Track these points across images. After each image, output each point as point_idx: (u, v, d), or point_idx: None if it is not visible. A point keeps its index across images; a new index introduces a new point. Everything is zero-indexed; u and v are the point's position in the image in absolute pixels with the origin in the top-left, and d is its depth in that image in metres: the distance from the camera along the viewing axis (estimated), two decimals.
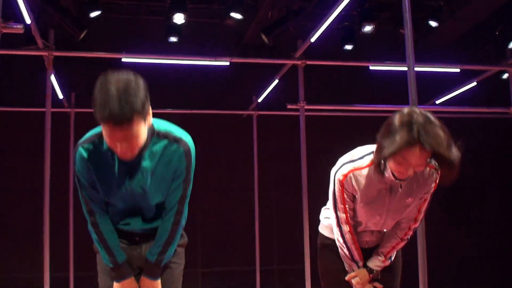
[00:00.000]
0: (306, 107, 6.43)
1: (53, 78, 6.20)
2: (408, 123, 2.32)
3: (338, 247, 2.83)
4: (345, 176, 2.66)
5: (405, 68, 3.66)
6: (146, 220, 2.61)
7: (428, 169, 2.59)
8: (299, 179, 6.27)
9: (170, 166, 2.47)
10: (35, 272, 7.74)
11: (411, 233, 2.86)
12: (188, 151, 2.50)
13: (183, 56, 7.29)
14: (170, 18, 7.56)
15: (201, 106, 8.34)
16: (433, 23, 8.04)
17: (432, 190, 2.68)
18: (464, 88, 7.86)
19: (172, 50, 7.98)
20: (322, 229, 3.05)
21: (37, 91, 6.93)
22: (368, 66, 7.37)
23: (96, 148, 2.41)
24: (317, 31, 5.76)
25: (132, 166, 2.42)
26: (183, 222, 2.62)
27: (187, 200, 2.59)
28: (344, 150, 2.97)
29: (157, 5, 8.60)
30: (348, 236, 2.77)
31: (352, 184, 2.66)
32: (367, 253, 2.89)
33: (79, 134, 7.73)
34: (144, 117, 2.24)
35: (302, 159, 6.22)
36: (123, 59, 6.78)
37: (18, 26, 3.93)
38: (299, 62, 6.35)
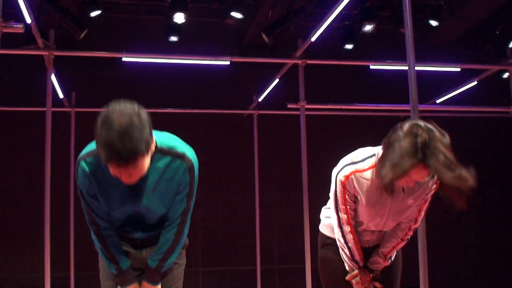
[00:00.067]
0: (306, 106, 6.43)
1: (53, 77, 6.19)
2: (413, 144, 2.26)
3: (339, 247, 2.83)
4: (347, 177, 2.65)
5: (406, 68, 3.65)
6: (147, 228, 2.62)
7: None
8: (299, 179, 6.26)
9: (173, 182, 2.46)
10: (35, 272, 7.76)
11: (411, 233, 2.86)
12: (191, 167, 2.48)
13: (183, 55, 7.27)
14: (170, 17, 7.56)
15: (202, 106, 8.35)
16: (433, 23, 8.04)
17: (433, 191, 2.68)
18: (465, 88, 7.86)
19: (172, 50, 7.98)
20: (323, 228, 3.05)
21: (37, 90, 6.93)
22: (369, 66, 7.35)
23: (98, 163, 2.37)
24: (317, 30, 5.75)
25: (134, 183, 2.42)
26: (186, 231, 2.62)
27: (191, 211, 2.60)
28: (345, 149, 2.97)
29: (157, 5, 8.60)
30: (349, 237, 2.77)
31: (354, 186, 2.66)
32: (368, 252, 2.89)
33: (80, 134, 7.76)
34: (148, 152, 2.22)
35: (302, 159, 6.21)
36: (124, 59, 6.77)
37: (19, 26, 3.93)
38: (299, 62, 6.34)
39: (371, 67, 7.49)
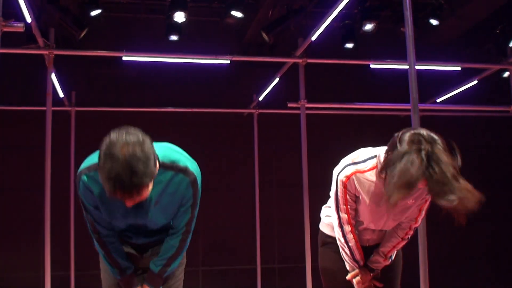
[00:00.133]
0: (306, 105, 6.43)
1: (53, 76, 6.20)
2: (419, 163, 2.21)
3: (339, 246, 2.83)
4: (348, 177, 2.65)
5: (406, 67, 3.65)
6: (149, 234, 2.62)
7: None
8: (300, 177, 6.27)
9: (176, 195, 2.46)
10: (36, 271, 7.75)
11: (411, 232, 2.86)
12: (194, 180, 2.47)
13: (183, 54, 7.28)
14: (170, 16, 7.55)
15: (202, 105, 8.34)
16: (434, 22, 8.03)
17: None
18: (465, 87, 7.86)
19: (172, 49, 7.97)
20: (323, 227, 3.05)
21: (37, 89, 6.94)
22: (369, 65, 7.36)
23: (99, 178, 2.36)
24: (318, 29, 5.75)
25: None
26: (190, 238, 2.64)
27: (195, 220, 2.61)
28: (345, 148, 2.97)
29: (157, 4, 8.59)
30: (349, 236, 2.77)
31: (355, 186, 2.66)
32: (368, 251, 2.89)
33: (80, 133, 7.74)
34: (152, 179, 2.18)
35: (302, 158, 6.21)
36: (124, 58, 6.78)
37: (19, 25, 3.93)
38: (300, 61, 6.34)
39: (372, 66, 7.50)
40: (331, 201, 2.83)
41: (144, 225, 2.54)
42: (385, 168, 2.38)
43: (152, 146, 2.18)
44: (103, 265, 2.70)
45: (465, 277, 9.07)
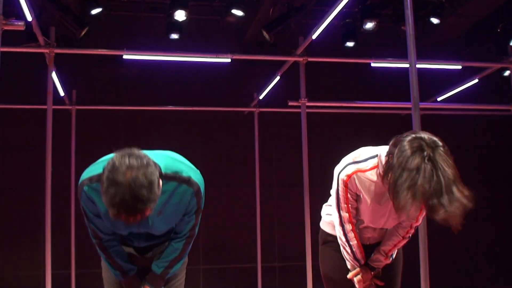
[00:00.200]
0: (307, 104, 6.43)
1: (54, 75, 6.20)
2: (428, 176, 2.21)
3: (340, 245, 2.83)
4: (349, 176, 2.65)
5: (407, 65, 3.65)
6: (150, 239, 2.62)
7: None
8: (300, 176, 6.27)
9: (180, 206, 2.45)
10: (37, 270, 7.76)
11: (412, 231, 2.85)
12: (197, 190, 2.46)
13: (184, 53, 7.27)
14: (171, 15, 7.56)
15: (202, 103, 8.34)
16: (434, 20, 8.03)
17: None
18: (466, 85, 7.85)
19: (173, 47, 7.97)
20: (324, 226, 3.05)
21: (38, 88, 6.93)
22: (370, 63, 7.36)
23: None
24: (318, 28, 5.75)
25: None
26: (192, 241, 2.65)
27: (198, 225, 2.61)
28: (346, 147, 2.97)
29: (158, 2, 8.60)
30: (350, 235, 2.77)
31: (356, 185, 2.65)
32: (369, 249, 2.89)
33: (81, 131, 7.72)
34: (156, 201, 2.16)
35: (303, 156, 6.21)
36: (124, 56, 6.78)
37: (19, 23, 3.93)
38: (300, 59, 6.34)
39: (372, 64, 7.50)
40: (332, 200, 2.83)
41: (146, 232, 2.55)
42: (387, 172, 2.37)
43: (156, 168, 2.14)
44: (105, 264, 2.71)
45: (465, 276, 9.07)
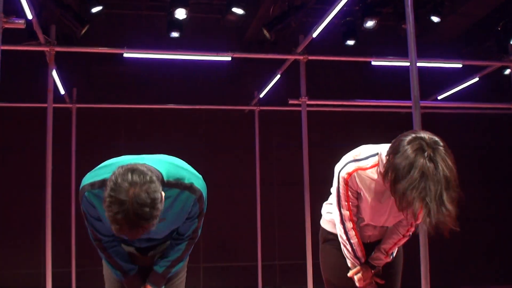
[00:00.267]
0: (307, 102, 6.42)
1: (54, 73, 6.20)
2: (430, 177, 2.22)
3: (341, 243, 2.84)
4: (350, 174, 2.65)
5: (407, 64, 3.64)
6: (151, 240, 2.62)
7: None
8: (300, 174, 6.27)
9: (183, 212, 2.45)
10: (37, 268, 7.77)
11: (413, 229, 2.86)
12: (200, 197, 2.46)
13: (184, 51, 7.27)
14: (171, 13, 7.55)
15: (203, 102, 8.34)
16: (435, 19, 8.03)
17: None
18: (466, 84, 7.85)
19: (173, 46, 7.97)
20: (324, 224, 3.05)
21: (38, 86, 6.93)
22: (370, 62, 7.36)
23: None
24: (319, 26, 5.75)
25: None
26: (194, 243, 2.66)
27: (201, 227, 2.62)
28: (346, 145, 2.97)
29: (158, 0, 8.60)
30: (351, 233, 2.78)
31: (357, 183, 2.66)
32: (370, 247, 2.89)
33: (81, 130, 7.70)
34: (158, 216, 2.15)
35: (303, 154, 6.21)
36: (125, 55, 6.78)
37: (20, 21, 3.92)
38: (301, 57, 6.34)
39: (373, 63, 7.50)
40: (333, 198, 2.83)
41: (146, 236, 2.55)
42: (387, 171, 2.37)
43: (159, 183, 2.13)
44: (106, 264, 2.71)
45: (465, 276, 9.08)
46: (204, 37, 8.67)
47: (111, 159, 2.48)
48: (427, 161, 2.22)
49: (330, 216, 2.94)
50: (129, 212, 2.00)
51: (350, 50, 8.53)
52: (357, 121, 8.93)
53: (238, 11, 7.73)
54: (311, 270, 6.07)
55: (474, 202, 8.99)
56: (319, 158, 7.23)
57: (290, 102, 6.58)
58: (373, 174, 2.61)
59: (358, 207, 2.76)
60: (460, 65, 7.76)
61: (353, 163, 2.66)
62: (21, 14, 4.72)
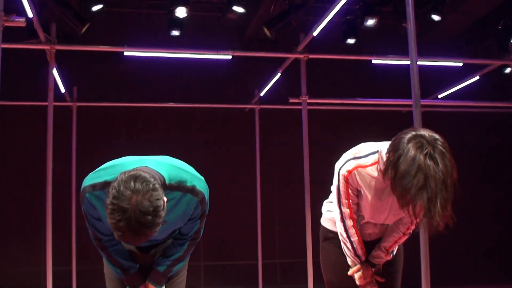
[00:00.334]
0: (308, 101, 6.43)
1: (55, 72, 6.20)
2: (423, 181, 2.23)
3: (341, 241, 2.84)
4: (350, 172, 2.65)
5: (408, 62, 3.65)
6: (152, 240, 2.61)
7: None
8: (301, 173, 6.27)
9: (184, 214, 2.45)
10: (38, 266, 7.77)
11: (413, 227, 2.85)
12: (202, 199, 2.45)
13: (185, 50, 7.28)
14: (172, 11, 7.55)
15: (203, 100, 8.34)
16: (436, 17, 8.03)
17: None
18: (467, 82, 7.85)
19: (174, 44, 7.98)
20: (324, 222, 3.05)
21: (39, 85, 6.93)
22: (371, 60, 7.35)
23: (104, 197, 2.27)
24: (319, 24, 5.75)
25: None
26: (196, 243, 2.66)
27: (203, 227, 2.62)
28: (346, 143, 2.96)
29: None
30: (351, 231, 2.78)
31: (357, 180, 2.66)
32: (370, 245, 2.89)
33: (81, 128, 7.70)
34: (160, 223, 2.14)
35: (304, 153, 6.21)
36: (125, 53, 6.77)
37: (20, 20, 3.92)
38: (301, 56, 6.34)
39: (373, 61, 7.49)
40: (333, 196, 2.83)
41: None
42: (387, 169, 2.38)
43: (162, 189, 2.12)
44: (106, 263, 2.72)
45: (466, 275, 9.08)
46: (205, 35, 8.66)
47: (113, 161, 2.47)
48: (427, 159, 2.23)
49: (331, 214, 2.94)
50: (131, 220, 2.00)
51: (350, 49, 8.52)
52: (358, 119, 8.93)
53: (239, 9, 7.73)
54: (312, 268, 6.08)
55: (474, 201, 9.00)
56: (319, 156, 7.23)
57: (291, 100, 6.58)
58: (373, 171, 2.62)
59: (358, 205, 2.76)
60: (460, 64, 7.77)
61: (353, 160, 2.66)
62: (22, 12, 4.71)
